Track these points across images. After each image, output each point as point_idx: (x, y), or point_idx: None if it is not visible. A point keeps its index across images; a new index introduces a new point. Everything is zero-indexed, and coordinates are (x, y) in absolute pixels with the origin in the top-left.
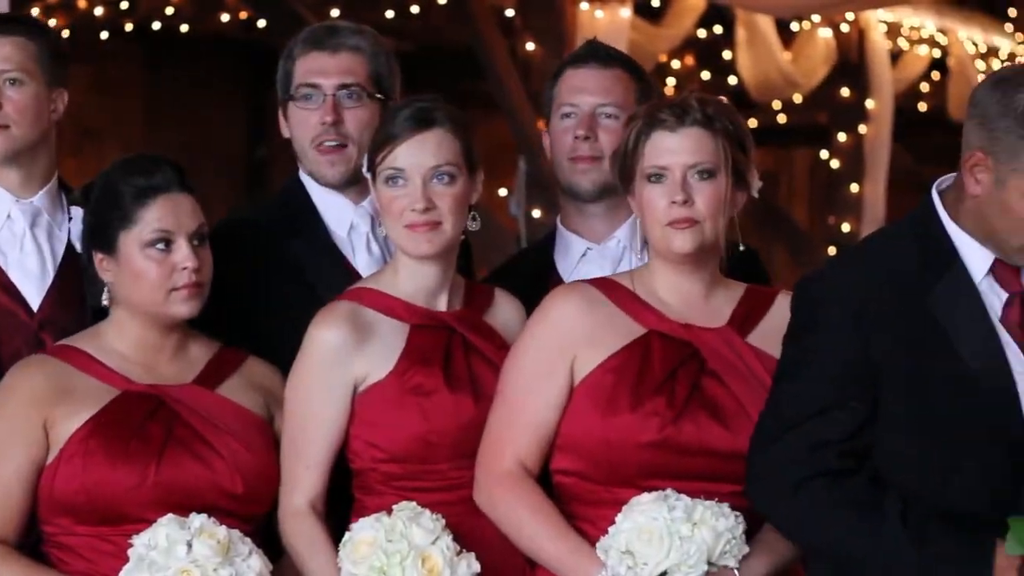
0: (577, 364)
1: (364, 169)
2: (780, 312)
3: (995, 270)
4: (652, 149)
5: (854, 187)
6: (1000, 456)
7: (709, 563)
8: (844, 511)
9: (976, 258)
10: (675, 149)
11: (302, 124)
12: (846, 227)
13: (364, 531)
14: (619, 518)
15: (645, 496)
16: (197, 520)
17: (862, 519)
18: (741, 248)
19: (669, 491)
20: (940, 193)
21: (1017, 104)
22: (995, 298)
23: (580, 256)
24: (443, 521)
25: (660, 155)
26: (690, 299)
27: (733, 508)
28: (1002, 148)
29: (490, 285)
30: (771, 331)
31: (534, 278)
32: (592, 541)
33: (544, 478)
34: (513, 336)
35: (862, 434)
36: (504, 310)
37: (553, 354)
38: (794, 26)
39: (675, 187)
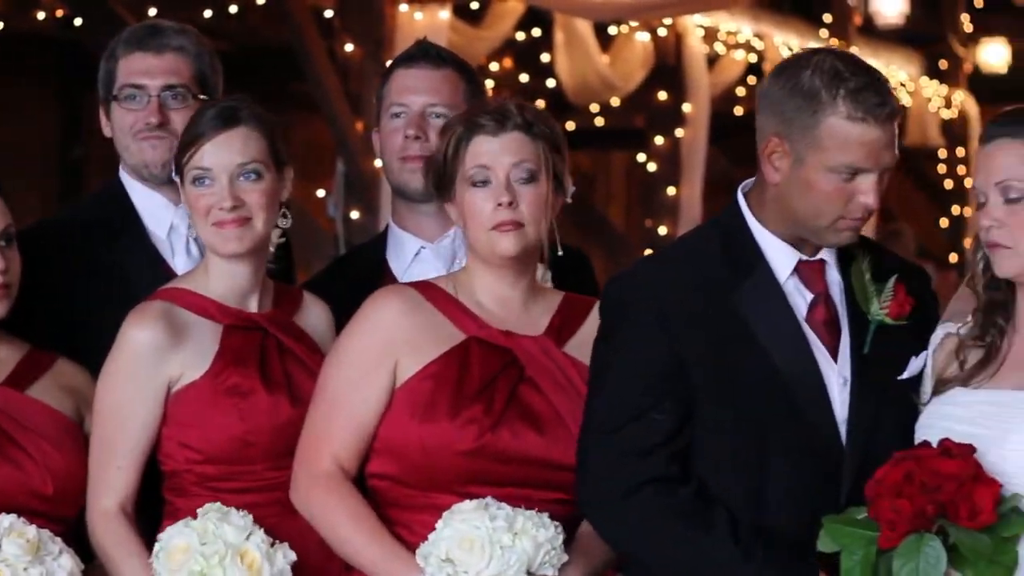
0: (399, 368)
1: (172, 172)
2: (595, 322)
3: (799, 271)
4: (474, 154)
5: (671, 190)
6: (810, 453)
7: (529, 573)
8: (673, 522)
9: (781, 258)
10: (497, 152)
11: (126, 124)
12: (663, 230)
13: (176, 538)
14: (439, 525)
15: (466, 504)
16: (6, 520)
17: (691, 531)
18: (559, 252)
19: (489, 499)
20: (745, 195)
21: (802, 83)
22: (800, 298)
23: (414, 255)
24: (251, 516)
25: (482, 158)
26: (510, 306)
27: (552, 516)
28: (796, 127)
29: (298, 288)
30: (588, 340)
31: (367, 278)
32: (408, 546)
33: (360, 481)
34: (321, 339)
35: (682, 435)
36: (312, 313)
37: (375, 356)
38: (612, 30)
39: (500, 190)
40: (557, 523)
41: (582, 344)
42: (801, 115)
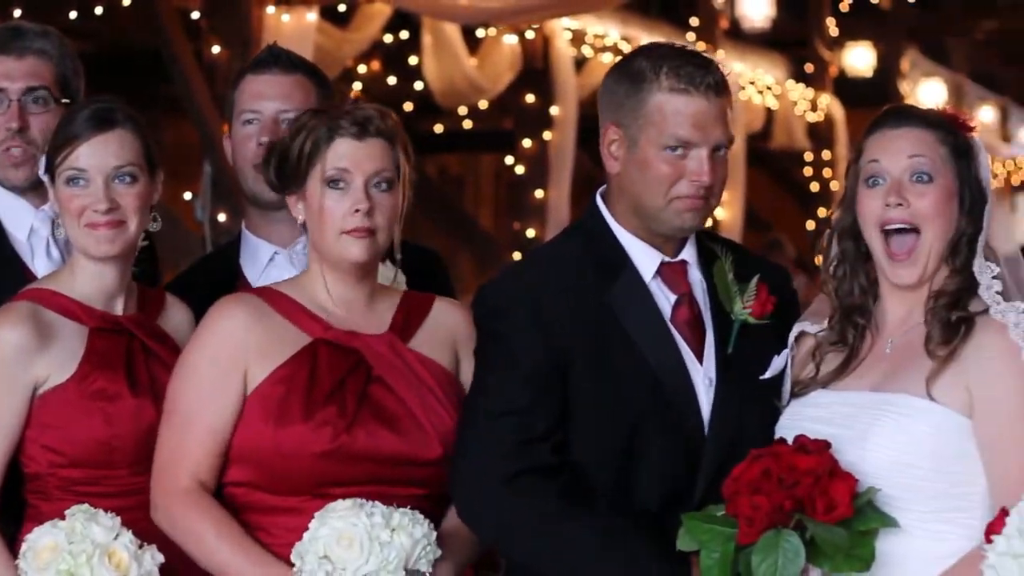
0: (249, 375)
1: (42, 171)
2: (438, 317)
3: (662, 272)
4: (335, 155)
5: (539, 192)
6: (678, 448)
7: (405, 569)
8: (552, 517)
9: (644, 260)
10: (359, 158)
11: None
12: (531, 232)
13: (44, 538)
14: (314, 524)
15: (340, 503)
16: None
17: (569, 524)
18: (398, 256)
19: (363, 499)
20: (603, 198)
21: (631, 69)
22: (664, 300)
23: (267, 261)
24: (119, 518)
25: (343, 161)
26: (354, 307)
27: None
28: (627, 111)
29: (161, 290)
30: (431, 335)
31: (222, 284)
32: (267, 549)
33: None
34: (183, 341)
35: (560, 430)
36: (174, 315)
37: (223, 367)
38: (480, 32)
39: (359, 195)
40: (430, 521)
41: (426, 339)
42: (630, 99)
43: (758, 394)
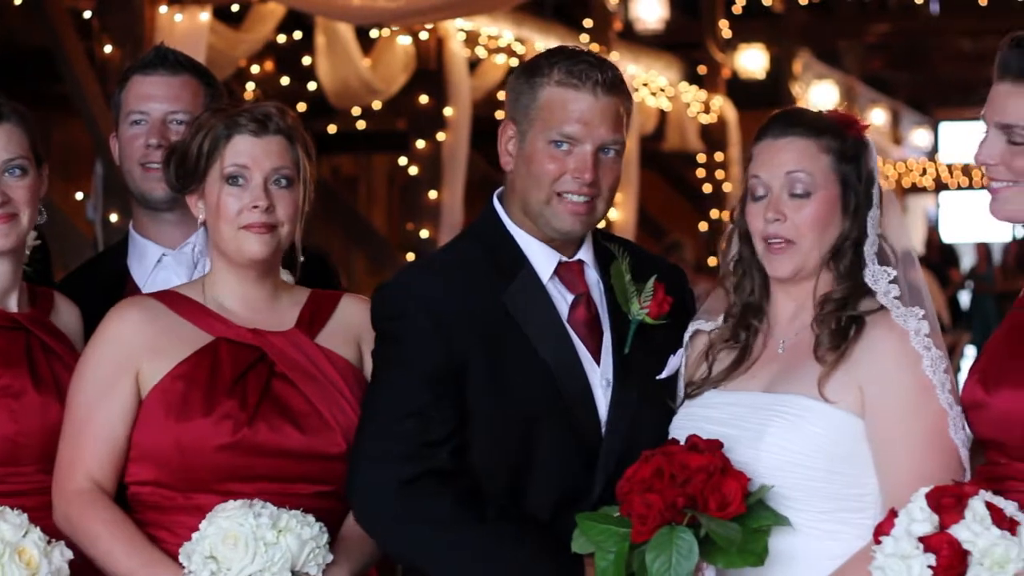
0: (142, 376)
1: None
2: (344, 313)
3: (560, 272)
4: (234, 152)
5: (432, 193)
6: (575, 449)
7: (293, 572)
8: (444, 524)
9: (541, 260)
10: (258, 155)
11: None
12: (424, 233)
13: None
14: (203, 524)
15: (230, 503)
16: None
17: (461, 532)
18: (302, 258)
19: (255, 499)
20: (499, 198)
21: (530, 65)
22: (562, 299)
23: (156, 262)
24: (27, 516)
25: (242, 158)
26: (256, 304)
27: (314, 508)
28: (521, 106)
29: (49, 288)
30: (337, 331)
31: (109, 285)
32: (170, 548)
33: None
34: (74, 340)
35: (459, 433)
36: (64, 313)
37: (114, 369)
38: (373, 33)
39: (257, 192)
40: (321, 523)
41: (333, 335)
42: (524, 95)
43: (655, 395)
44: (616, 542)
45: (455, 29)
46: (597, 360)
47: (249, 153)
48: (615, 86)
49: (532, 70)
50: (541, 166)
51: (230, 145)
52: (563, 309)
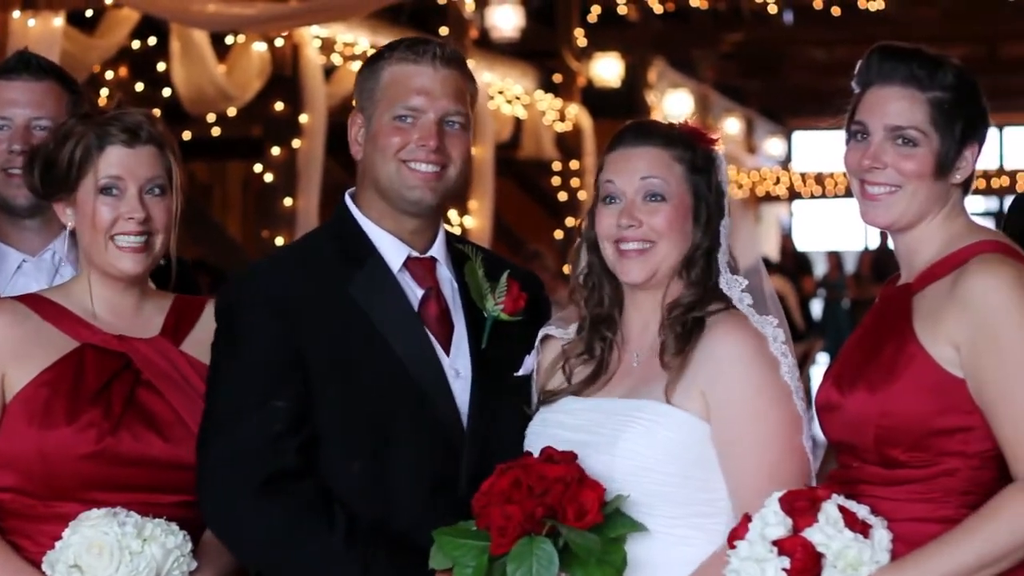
0: (8, 382)
1: None
2: (209, 320)
3: (409, 267)
4: (107, 163)
5: (288, 200)
6: (430, 442)
7: None
8: (293, 526)
9: (391, 253)
10: (132, 165)
11: None
12: (280, 240)
13: None
14: (67, 532)
15: (94, 511)
16: None
17: (309, 535)
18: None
19: (119, 508)
20: (352, 196)
21: (372, 56)
22: (412, 293)
23: (15, 269)
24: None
25: (115, 169)
26: (122, 311)
27: (178, 518)
28: (366, 93)
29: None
30: (203, 339)
31: None
32: (33, 556)
33: None
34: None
35: (305, 426)
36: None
37: None
38: (229, 39)
39: (134, 203)
40: (185, 532)
41: (199, 342)
42: (368, 81)
43: (513, 390)
44: (475, 556)
45: (311, 36)
46: (448, 353)
47: (123, 164)
48: (454, 60)
49: (374, 57)
50: (387, 139)
51: (103, 156)
52: (413, 302)
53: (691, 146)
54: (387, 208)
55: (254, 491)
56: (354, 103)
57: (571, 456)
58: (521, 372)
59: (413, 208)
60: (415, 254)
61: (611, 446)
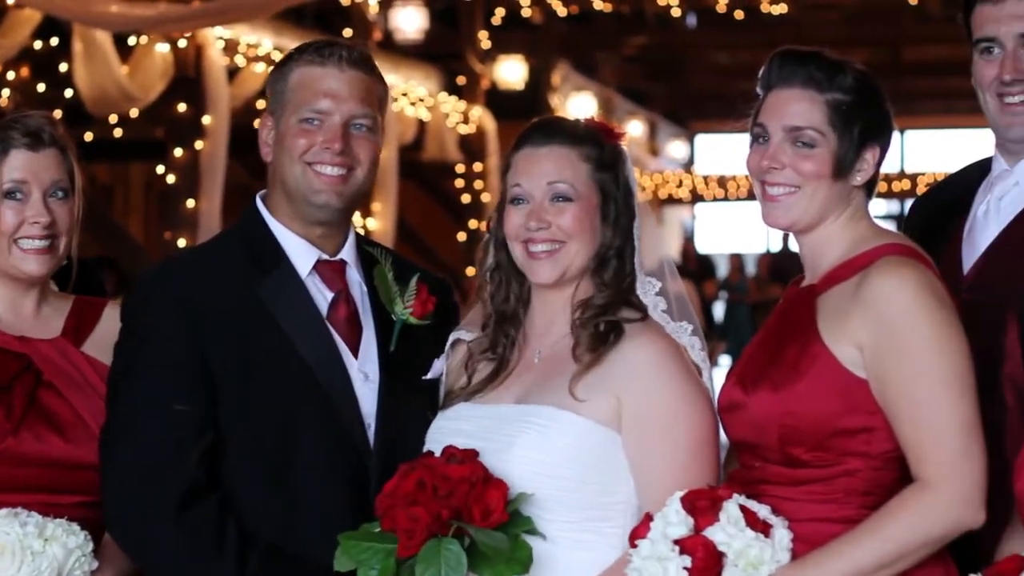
0: None
1: None
2: (109, 322)
3: (319, 270)
4: (9, 168)
5: (190, 202)
6: (336, 445)
7: None
8: (193, 551)
9: (301, 256)
10: (35, 169)
11: None
12: (182, 242)
13: None
14: None
15: None
16: None
17: (207, 561)
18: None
19: (20, 508)
20: (263, 199)
21: (282, 59)
22: (321, 296)
23: None
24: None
25: (18, 173)
26: (23, 312)
27: (79, 518)
28: (275, 96)
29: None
30: (103, 340)
31: None
32: None
33: None
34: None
35: (209, 430)
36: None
37: None
38: (132, 40)
39: (38, 207)
40: (86, 532)
41: (99, 343)
42: (278, 82)
43: (421, 395)
44: (380, 559)
45: (214, 37)
46: (356, 356)
47: (27, 168)
48: (361, 62)
49: (284, 60)
50: (293, 141)
51: (6, 160)
52: (322, 305)
53: (598, 143)
54: (295, 211)
55: (167, 515)
56: (264, 105)
57: (472, 454)
58: (430, 376)
59: (319, 211)
60: (325, 257)
61: (505, 452)
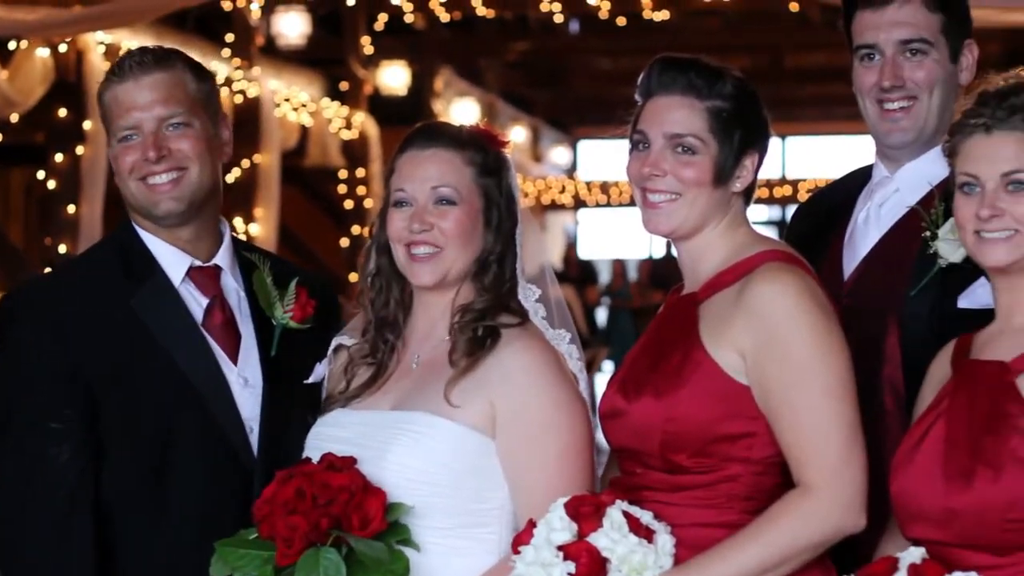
0: None
1: None
2: None
3: (192, 276)
4: None
5: (71, 208)
6: (216, 452)
7: None
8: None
9: (174, 264)
10: None
11: None
12: (63, 248)
13: None
14: None
15: None
16: None
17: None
18: None
19: None
20: (128, 209)
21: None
22: (195, 303)
23: None
24: None
25: None
26: None
27: None
28: (103, 121)
29: None
30: None
31: None
32: None
33: None
34: None
35: (87, 445)
36: None
37: None
38: (11, 44)
39: None
40: None
41: None
42: (100, 109)
43: (304, 400)
44: (257, 565)
45: (95, 42)
46: (235, 362)
47: None
48: (160, 62)
49: (101, 84)
50: (121, 163)
51: None
52: (197, 313)
53: (482, 148)
54: (151, 223)
55: (43, 530)
56: None
57: (351, 461)
58: (311, 379)
59: (168, 220)
60: (198, 264)
61: (380, 459)
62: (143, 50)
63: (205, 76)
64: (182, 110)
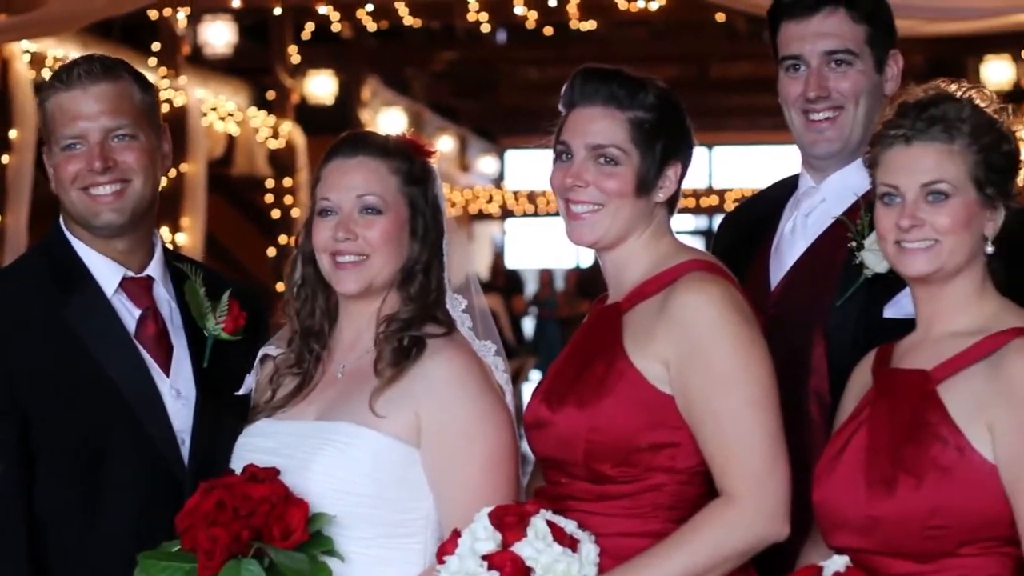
0: None
1: None
2: None
3: (125, 287)
4: None
5: None
6: (146, 463)
7: None
8: None
9: (106, 275)
10: None
11: None
12: None
13: None
14: None
15: None
16: None
17: None
18: None
19: None
20: (65, 219)
21: (41, 87)
22: (128, 314)
23: None
24: None
25: None
26: None
27: None
28: (43, 129)
29: None
30: None
31: None
32: None
33: None
34: None
35: (22, 457)
36: None
37: None
38: None
39: None
40: None
41: None
42: (41, 116)
43: (238, 411)
44: None
45: (20, 50)
46: (167, 373)
47: None
48: (109, 72)
49: (43, 92)
50: (63, 171)
51: None
52: (130, 324)
53: (408, 157)
54: (88, 233)
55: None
56: None
57: (273, 472)
58: (242, 391)
59: (107, 231)
60: (130, 274)
61: (304, 469)
62: (89, 59)
63: (149, 88)
64: (128, 121)
